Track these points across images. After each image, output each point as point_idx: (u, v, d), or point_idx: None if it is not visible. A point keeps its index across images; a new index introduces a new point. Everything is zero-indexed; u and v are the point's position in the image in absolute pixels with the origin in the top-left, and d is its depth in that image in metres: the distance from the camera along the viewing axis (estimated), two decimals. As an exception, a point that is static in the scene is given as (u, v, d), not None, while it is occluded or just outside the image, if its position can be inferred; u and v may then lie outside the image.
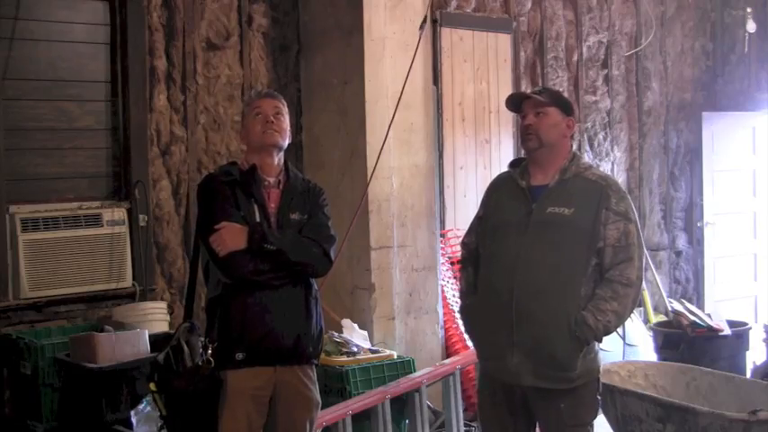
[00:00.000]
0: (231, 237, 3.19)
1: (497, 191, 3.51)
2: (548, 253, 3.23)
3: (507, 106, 3.49)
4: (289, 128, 3.44)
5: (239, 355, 3.22)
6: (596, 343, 3.29)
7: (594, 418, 3.39)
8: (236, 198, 3.29)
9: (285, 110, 3.44)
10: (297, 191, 3.40)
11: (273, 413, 3.31)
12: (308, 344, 3.31)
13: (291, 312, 3.27)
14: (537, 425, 3.44)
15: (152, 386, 3.24)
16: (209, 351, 3.20)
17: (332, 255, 3.37)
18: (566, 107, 3.38)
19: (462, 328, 3.79)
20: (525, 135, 3.35)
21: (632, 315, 6.93)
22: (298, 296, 3.30)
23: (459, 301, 3.66)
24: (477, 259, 3.47)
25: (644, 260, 3.30)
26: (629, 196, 3.35)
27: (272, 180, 3.37)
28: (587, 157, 7.33)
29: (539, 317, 3.21)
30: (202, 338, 3.27)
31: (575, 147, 7.23)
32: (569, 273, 3.22)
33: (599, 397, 3.38)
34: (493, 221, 3.41)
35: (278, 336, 3.24)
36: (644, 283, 7.80)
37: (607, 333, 3.24)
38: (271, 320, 3.23)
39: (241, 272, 3.21)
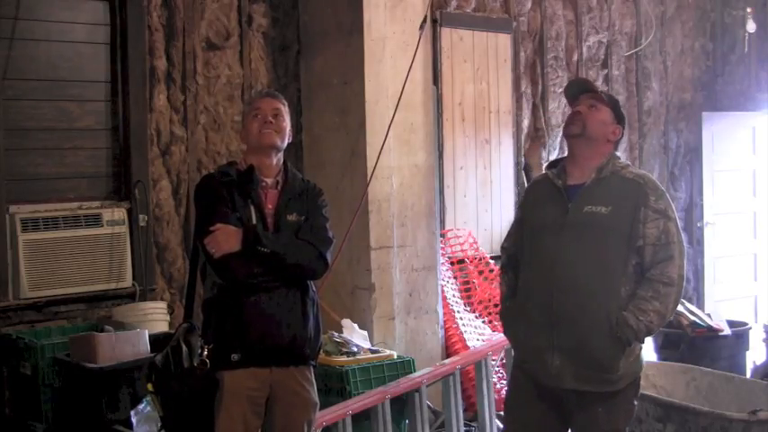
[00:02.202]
0: (225, 239, 3.19)
1: (534, 192, 3.50)
2: (586, 252, 3.19)
3: (566, 91, 3.47)
4: (288, 128, 3.42)
5: (235, 356, 3.21)
6: (638, 345, 3.25)
7: (629, 424, 3.33)
8: (233, 199, 3.27)
9: (285, 110, 3.43)
10: (295, 192, 3.38)
11: (271, 414, 3.31)
12: (304, 345, 3.30)
13: (287, 314, 3.26)
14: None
15: (149, 387, 3.24)
16: (205, 352, 3.20)
17: (328, 257, 3.35)
18: (619, 115, 3.37)
19: (502, 332, 3.70)
20: (571, 119, 3.33)
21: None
22: (294, 298, 3.28)
23: (499, 305, 3.66)
24: (516, 263, 3.44)
25: (686, 258, 3.24)
26: (666, 195, 3.30)
27: (269, 181, 3.36)
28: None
29: (579, 318, 3.17)
30: (201, 339, 3.27)
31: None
32: (609, 272, 3.18)
33: (635, 402, 3.32)
34: (531, 223, 3.39)
35: (273, 337, 3.23)
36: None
37: (649, 334, 3.20)
38: (266, 322, 3.22)
39: (234, 274, 3.21)
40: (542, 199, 3.39)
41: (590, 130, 3.28)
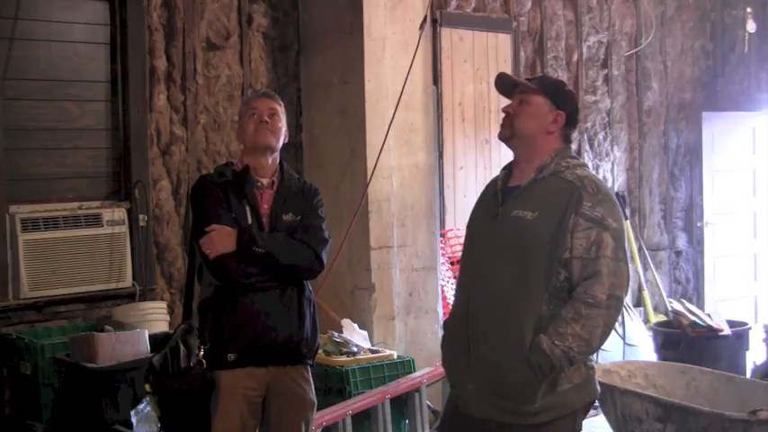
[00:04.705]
0: (220, 239, 3.19)
1: (482, 196, 3.09)
2: (506, 263, 2.78)
3: (497, 88, 3.06)
4: (285, 128, 3.42)
5: (231, 356, 3.22)
6: (566, 372, 2.74)
7: None
8: (229, 199, 3.28)
9: (281, 110, 3.43)
10: (290, 191, 3.38)
11: (268, 413, 3.32)
12: (300, 344, 3.30)
13: (283, 313, 3.26)
14: None
15: (147, 387, 3.24)
16: (201, 352, 3.21)
17: (324, 257, 3.35)
18: (557, 98, 2.91)
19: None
20: (502, 123, 2.95)
21: (632, 315, 6.99)
22: (290, 297, 3.29)
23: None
24: None
25: (623, 277, 2.74)
26: (612, 200, 2.81)
27: (265, 181, 3.36)
28: (587, 157, 7.33)
29: (492, 337, 2.77)
30: (198, 339, 3.28)
31: (574, 147, 7.25)
32: (528, 287, 2.74)
33: None
34: (468, 231, 3.05)
35: (269, 336, 3.24)
36: (644, 284, 7.69)
37: (571, 363, 2.71)
38: (262, 321, 3.23)
39: (230, 274, 3.22)
40: (483, 203, 3.02)
41: (519, 129, 2.88)
